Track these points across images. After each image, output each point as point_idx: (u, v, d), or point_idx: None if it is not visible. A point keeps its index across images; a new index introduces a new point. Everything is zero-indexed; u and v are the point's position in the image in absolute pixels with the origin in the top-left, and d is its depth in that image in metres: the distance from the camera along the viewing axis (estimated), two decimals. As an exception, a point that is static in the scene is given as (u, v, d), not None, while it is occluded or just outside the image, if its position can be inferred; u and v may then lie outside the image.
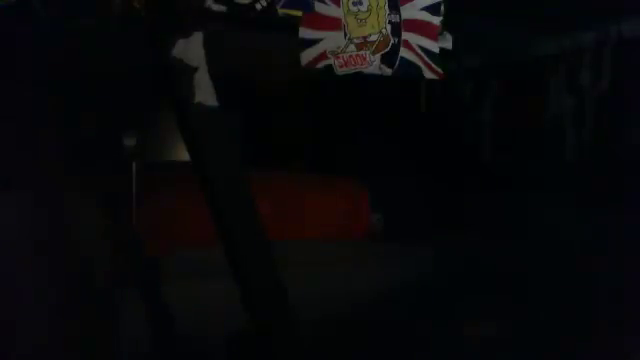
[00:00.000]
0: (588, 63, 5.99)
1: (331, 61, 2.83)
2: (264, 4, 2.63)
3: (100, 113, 3.24)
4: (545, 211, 5.74)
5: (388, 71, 2.88)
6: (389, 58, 2.87)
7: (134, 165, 3.84)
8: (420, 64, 2.91)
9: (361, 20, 2.82)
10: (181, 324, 3.38)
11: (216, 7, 2.54)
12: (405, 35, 2.87)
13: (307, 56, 2.81)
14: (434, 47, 2.91)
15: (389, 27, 2.85)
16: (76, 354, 2.81)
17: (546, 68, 6.39)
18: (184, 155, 2.69)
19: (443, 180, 6.49)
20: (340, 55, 2.83)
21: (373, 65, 2.87)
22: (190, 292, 3.64)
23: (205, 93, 2.44)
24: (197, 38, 2.44)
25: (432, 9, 2.89)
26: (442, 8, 2.91)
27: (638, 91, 5.48)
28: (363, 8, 2.82)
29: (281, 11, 2.69)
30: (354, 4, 2.81)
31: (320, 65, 2.82)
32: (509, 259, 5.01)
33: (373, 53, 2.86)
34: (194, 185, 2.59)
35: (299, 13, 2.74)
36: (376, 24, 2.84)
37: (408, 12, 2.87)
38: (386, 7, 2.84)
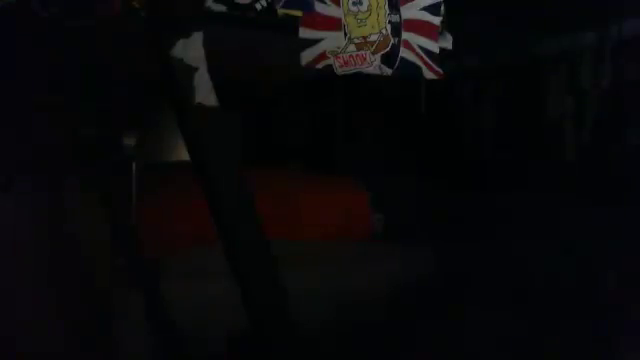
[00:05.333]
0: (588, 63, 5.99)
1: (331, 61, 2.82)
2: (264, 4, 2.63)
3: (100, 113, 3.24)
4: (545, 211, 5.74)
5: (388, 71, 2.88)
6: (389, 58, 2.87)
7: (134, 165, 3.84)
8: (420, 64, 2.90)
9: (361, 20, 2.82)
10: (181, 324, 3.38)
11: (216, 7, 2.54)
12: (405, 35, 2.87)
13: (307, 56, 2.80)
14: (434, 47, 2.91)
15: (389, 27, 2.85)
16: (76, 354, 2.81)
17: (546, 68, 6.39)
18: (184, 155, 2.69)
19: (443, 180, 6.49)
20: (340, 55, 2.82)
21: (373, 65, 2.86)
22: (190, 292, 3.64)
23: (205, 93, 2.44)
24: (197, 38, 2.43)
25: (432, 9, 2.89)
26: (442, 8, 2.91)
27: (638, 91, 5.48)
28: (363, 8, 2.81)
29: (281, 11, 2.69)
30: (354, 4, 2.80)
31: (320, 65, 2.81)
32: (509, 259, 5.00)
33: (373, 53, 2.85)
34: (194, 185, 2.58)
35: (299, 13, 2.74)
36: (376, 24, 2.83)
37: (408, 12, 2.87)
38: (386, 7, 2.83)
